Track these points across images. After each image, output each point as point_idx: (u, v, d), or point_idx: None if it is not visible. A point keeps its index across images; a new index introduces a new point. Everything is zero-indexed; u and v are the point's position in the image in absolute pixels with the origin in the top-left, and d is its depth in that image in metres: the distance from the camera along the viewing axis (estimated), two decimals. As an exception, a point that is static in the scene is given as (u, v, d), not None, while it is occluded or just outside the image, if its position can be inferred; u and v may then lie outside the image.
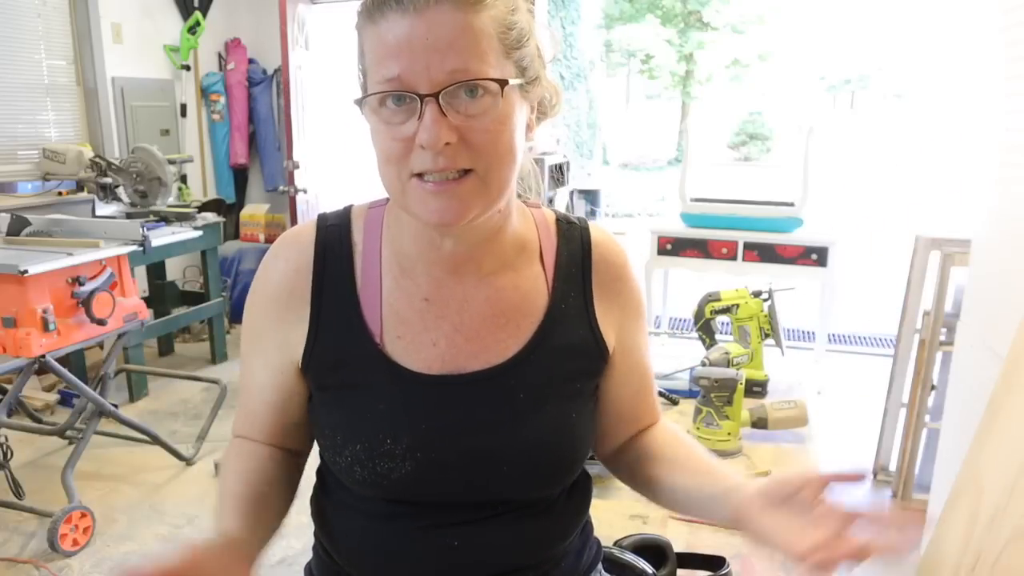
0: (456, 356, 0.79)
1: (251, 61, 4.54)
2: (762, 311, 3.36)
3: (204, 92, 4.43)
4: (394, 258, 0.81)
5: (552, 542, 0.85)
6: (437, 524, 0.79)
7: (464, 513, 0.79)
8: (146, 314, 2.71)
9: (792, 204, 3.53)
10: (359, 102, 0.72)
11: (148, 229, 2.73)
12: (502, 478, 0.78)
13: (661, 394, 1.84)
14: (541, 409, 0.79)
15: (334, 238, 0.82)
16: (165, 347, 4.04)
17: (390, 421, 0.77)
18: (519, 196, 0.86)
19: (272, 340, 0.82)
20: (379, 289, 0.80)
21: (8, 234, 2.63)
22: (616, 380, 0.88)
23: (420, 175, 0.70)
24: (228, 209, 4.19)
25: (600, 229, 0.89)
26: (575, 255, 0.85)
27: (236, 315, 4.27)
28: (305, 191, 3.75)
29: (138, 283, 2.85)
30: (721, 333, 3.56)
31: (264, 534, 0.78)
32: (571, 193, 5.23)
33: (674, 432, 0.91)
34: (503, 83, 0.69)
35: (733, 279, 3.56)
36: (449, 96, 0.67)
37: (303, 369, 0.81)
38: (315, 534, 0.90)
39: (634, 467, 0.91)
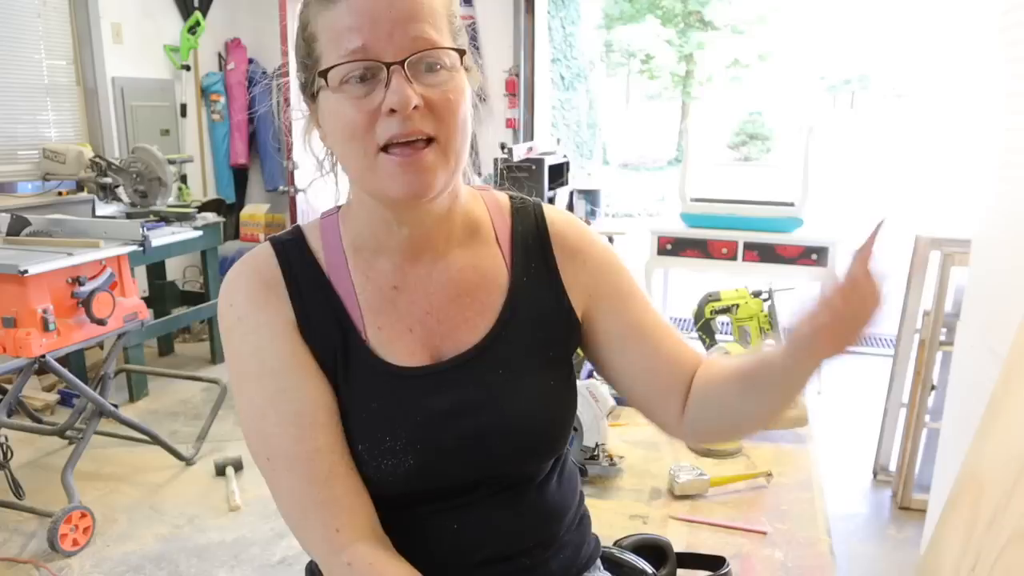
0: (432, 338, 0.81)
1: (251, 61, 4.54)
2: (762, 311, 3.35)
3: (204, 92, 4.43)
4: (358, 255, 0.82)
5: (547, 525, 0.86)
6: (436, 510, 0.81)
7: (461, 496, 0.81)
8: (146, 314, 2.71)
9: (792, 204, 3.53)
10: (323, 74, 0.71)
11: (148, 229, 2.73)
12: (497, 454, 0.80)
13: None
14: (521, 381, 0.81)
15: (294, 251, 0.82)
16: (165, 347, 4.04)
17: (385, 418, 0.78)
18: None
19: (296, 336, 0.79)
20: (351, 286, 0.81)
21: (8, 234, 2.63)
22: (627, 345, 0.86)
23: (386, 148, 0.71)
24: (228, 209, 4.18)
25: (552, 207, 0.91)
26: (530, 230, 0.87)
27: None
28: (305, 191, 3.75)
29: (138, 283, 2.85)
30: (721, 333, 3.54)
31: None
32: (571, 193, 5.22)
33: (709, 364, 0.87)
34: (462, 52, 0.74)
35: (733, 279, 3.55)
36: (411, 67, 0.70)
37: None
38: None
39: (701, 420, 0.86)
